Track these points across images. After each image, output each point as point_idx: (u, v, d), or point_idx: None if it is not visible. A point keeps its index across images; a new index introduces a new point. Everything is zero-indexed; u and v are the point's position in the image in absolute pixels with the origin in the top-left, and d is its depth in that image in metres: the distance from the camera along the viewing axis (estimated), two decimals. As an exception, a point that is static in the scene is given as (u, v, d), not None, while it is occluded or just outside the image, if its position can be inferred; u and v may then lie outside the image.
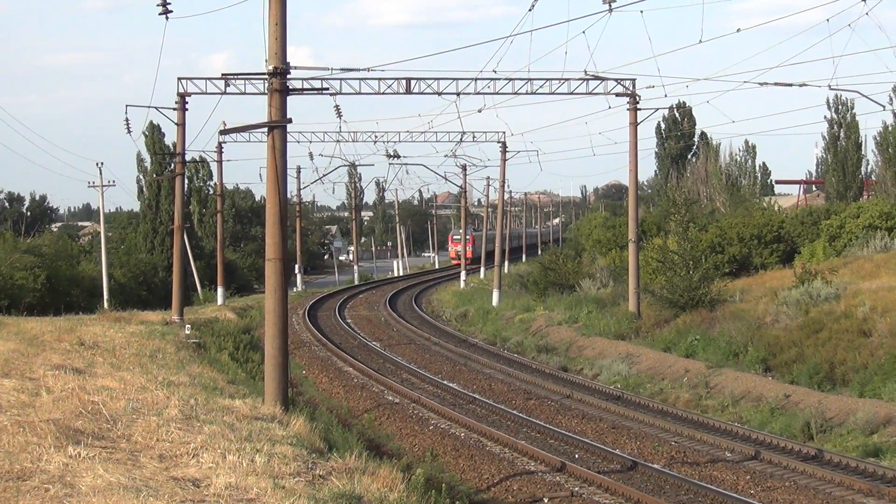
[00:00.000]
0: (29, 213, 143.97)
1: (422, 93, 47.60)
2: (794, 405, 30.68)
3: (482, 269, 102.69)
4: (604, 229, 79.14)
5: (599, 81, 46.94)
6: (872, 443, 26.67)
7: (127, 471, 14.62)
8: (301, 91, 26.85)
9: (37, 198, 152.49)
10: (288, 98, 23.40)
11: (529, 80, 47.18)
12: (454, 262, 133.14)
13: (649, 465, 25.32)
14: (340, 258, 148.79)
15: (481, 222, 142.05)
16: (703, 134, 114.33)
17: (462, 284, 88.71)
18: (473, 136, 72.21)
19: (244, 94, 47.92)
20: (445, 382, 38.75)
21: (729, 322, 39.92)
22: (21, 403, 19.89)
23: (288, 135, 24.09)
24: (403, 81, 47.36)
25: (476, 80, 46.80)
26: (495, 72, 43.85)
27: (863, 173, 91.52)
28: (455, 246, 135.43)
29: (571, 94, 47.44)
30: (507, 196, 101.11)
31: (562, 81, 47.18)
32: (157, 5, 38.05)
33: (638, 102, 47.66)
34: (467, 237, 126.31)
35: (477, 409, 33.60)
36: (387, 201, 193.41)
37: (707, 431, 29.11)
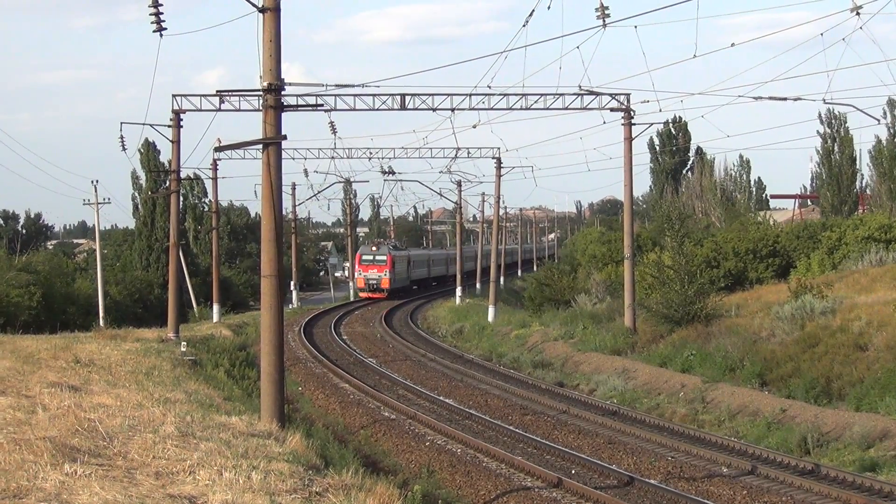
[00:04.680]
0: (24, 231, 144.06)
1: (416, 109, 47.67)
2: (791, 420, 30.68)
3: (478, 285, 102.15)
4: (599, 244, 79.20)
5: (594, 96, 46.99)
6: (869, 457, 26.66)
7: (123, 488, 14.60)
8: (296, 107, 26.89)
9: (32, 215, 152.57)
10: (283, 114, 23.43)
11: (524, 95, 47.23)
12: (362, 294, 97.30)
13: (646, 480, 25.29)
14: (336, 274, 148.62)
15: (470, 238, 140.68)
16: (698, 149, 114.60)
17: (458, 301, 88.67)
18: (468, 152, 72.28)
19: (239, 110, 47.99)
20: (442, 398, 38.71)
21: (725, 337, 39.92)
22: (17, 421, 19.87)
23: (283, 151, 24.10)
24: (398, 97, 47.43)
25: (470, 95, 46.85)
26: (490, 87, 43.87)
27: (858, 187, 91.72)
28: (365, 271, 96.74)
29: (566, 109, 47.50)
30: (502, 212, 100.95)
31: (556, 97, 47.25)
32: (152, 23, 38.16)
33: (633, 117, 47.71)
34: (383, 257, 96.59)
35: (473, 424, 33.56)
36: (382, 217, 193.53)
37: (703, 446, 29.09)
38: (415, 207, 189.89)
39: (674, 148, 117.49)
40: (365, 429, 32.72)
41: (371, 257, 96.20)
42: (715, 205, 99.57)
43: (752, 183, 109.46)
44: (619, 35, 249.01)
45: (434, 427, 32.63)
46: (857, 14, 29.33)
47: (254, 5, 22.75)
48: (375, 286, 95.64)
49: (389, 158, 72.84)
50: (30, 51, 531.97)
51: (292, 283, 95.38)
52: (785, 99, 42.76)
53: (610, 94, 47.27)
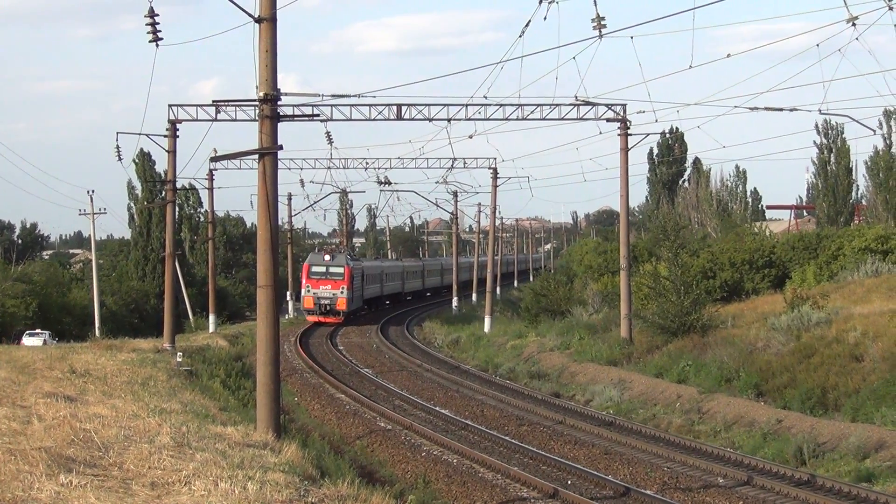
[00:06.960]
0: (20, 241, 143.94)
1: (412, 119, 47.79)
2: (787, 430, 30.67)
3: (474, 295, 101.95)
4: (595, 255, 79.20)
5: (590, 107, 47.06)
6: (865, 468, 26.66)
7: (119, 499, 14.58)
8: (292, 118, 26.91)
9: (27, 225, 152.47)
10: (279, 125, 23.44)
11: (520, 105, 47.32)
12: (310, 318, 77.69)
13: (642, 491, 25.28)
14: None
15: (465, 250, 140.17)
16: (695, 159, 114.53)
17: (454, 311, 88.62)
18: (464, 163, 72.37)
19: (235, 120, 48.07)
20: (438, 409, 38.69)
21: (721, 347, 39.91)
22: (12, 431, 19.84)
23: (279, 162, 24.12)
24: (394, 108, 47.51)
25: (467, 106, 46.92)
26: (486, 98, 43.93)
27: (854, 198, 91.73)
28: (315, 287, 76.26)
29: (562, 119, 47.59)
30: (498, 222, 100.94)
31: (552, 107, 47.33)
32: (148, 33, 38.19)
33: (629, 128, 47.71)
34: (339, 269, 76.62)
35: (469, 435, 33.54)
36: (378, 228, 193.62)
37: (699, 457, 29.08)
38: (411, 218, 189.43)
39: (670, 158, 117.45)
40: (361, 439, 32.69)
41: (323, 269, 76.46)
42: (711, 215, 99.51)
43: (748, 193, 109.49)
44: (616, 46, 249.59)
45: (430, 437, 32.59)
46: (853, 25, 29.36)
47: (250, 15, 22.78)
48: (329, 307, 76.49)
49: (386, 169, 72.90)
50: (28, 60, 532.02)
51: (288, 293, 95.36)
52: (781, 109, 42.85)
53: (606, 105, 47.36)
